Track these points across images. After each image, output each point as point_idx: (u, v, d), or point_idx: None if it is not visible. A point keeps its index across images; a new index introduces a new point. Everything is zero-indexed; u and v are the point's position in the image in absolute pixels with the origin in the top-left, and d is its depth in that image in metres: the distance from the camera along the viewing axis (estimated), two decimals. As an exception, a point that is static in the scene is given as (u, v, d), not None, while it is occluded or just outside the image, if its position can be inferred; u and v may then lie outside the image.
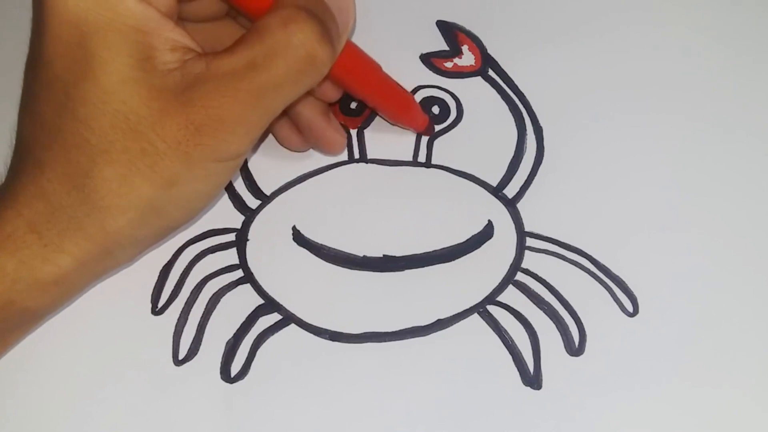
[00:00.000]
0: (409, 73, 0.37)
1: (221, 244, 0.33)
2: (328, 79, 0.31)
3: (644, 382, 0.30)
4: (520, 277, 0.33)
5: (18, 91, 0.28)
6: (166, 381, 0.31)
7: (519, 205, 0.34)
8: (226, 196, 0.35)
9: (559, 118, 0.36)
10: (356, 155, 0.35)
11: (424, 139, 0.36)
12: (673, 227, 0.33)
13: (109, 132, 0.26)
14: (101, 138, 0.26)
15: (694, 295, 0.32)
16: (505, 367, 0.31)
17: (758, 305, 0.32)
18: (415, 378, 0.31)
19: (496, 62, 0.38)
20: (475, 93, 0.37)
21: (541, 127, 0.36)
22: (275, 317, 0.32)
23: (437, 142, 0.36)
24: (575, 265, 0.33)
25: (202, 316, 0.32)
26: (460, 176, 0.35)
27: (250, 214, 0.34)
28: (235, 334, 0.32)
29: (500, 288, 0.32)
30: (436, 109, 0.36)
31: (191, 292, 0.32)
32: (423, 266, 0.33)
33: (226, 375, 0.31)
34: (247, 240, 0.34)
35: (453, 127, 0.36)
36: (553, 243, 0.33)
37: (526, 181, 0.35)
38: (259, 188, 0.35)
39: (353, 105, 0.36)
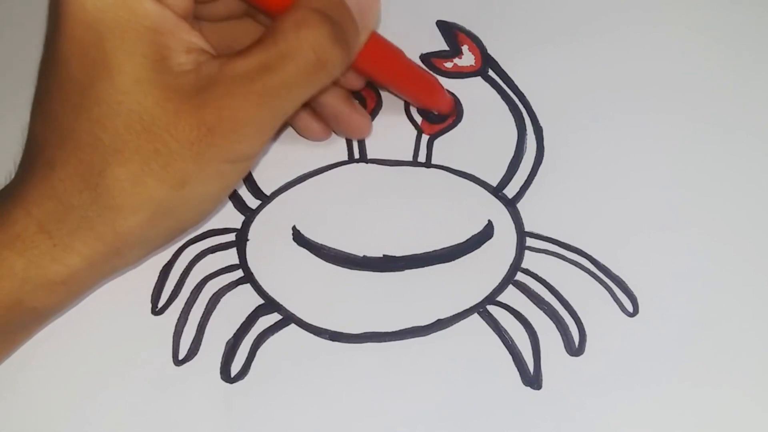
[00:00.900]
0: (409, 73, 0.37)
1: (221, 244, 0.34)
2: (352, 69, 0.32)
3: (644, 382, 0.30)
4: (520, 277, 0.33)
5: (28, 90, 0.28)
6: (166, 381, 0.31)
7: (519, 205, 0.34)
8: (226, 196, 0.35)
9: (559, 118, 0.36)
10: (356, 155, 0.35)
11: (424, 139, 0.36)
12: (673, 227, 0.33)
13: (123, 132, 0.26)
14: (115, 138, 0.26)
15: (694, 295, 0.32)
16: (505, 367, 0.31)
17: (758, 305, 0.32)
18: (415, 378, 0.31)
19: (496, 62, 0.38)
20: (475, 93, 0.37)
21: (541, 127, 0.36)
22: (275, 317, 0.32)
23: (437, 142, 0.36)
24: (575, 265, 0.33)
25: (202, 316, 0.32)
26: (460, 176, 0.35)
27: (250, 214, 0.34)
28: (235, 334, 0.32)
29: (500, 288, 0.32)
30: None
31: (191, 292, 0.32)
32: (423, 266, 0.33)
33: (226, 375, 0.31)
34: (247, 240, 0.34)
35: (453, 127, 0.36)
36: (553, 243, 0.33)
37: (526, 181, 0.35)
38: (259, 188, 0.35)
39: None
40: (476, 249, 0.33)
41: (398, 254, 0.33)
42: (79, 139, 0.26)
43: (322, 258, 0.33)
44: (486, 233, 0.34)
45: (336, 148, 0.36)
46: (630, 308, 0.32)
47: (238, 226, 0.34)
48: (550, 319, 0.32)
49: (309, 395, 0.30)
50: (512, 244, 0.33)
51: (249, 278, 0.33)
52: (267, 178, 0.35)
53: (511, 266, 0.33)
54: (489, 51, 0.38)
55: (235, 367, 0.31)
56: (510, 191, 0.34)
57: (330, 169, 0.35)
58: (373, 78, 0.33)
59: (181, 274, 0.33)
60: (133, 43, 0.25)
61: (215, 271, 0.33)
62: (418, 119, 0.36)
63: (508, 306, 0.32)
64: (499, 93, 0.37)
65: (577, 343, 0.31)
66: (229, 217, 0.34)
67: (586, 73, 0.37)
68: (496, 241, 0.33)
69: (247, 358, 0.31)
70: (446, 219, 0.34)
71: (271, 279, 0.33)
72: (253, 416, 0.30)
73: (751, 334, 0.31)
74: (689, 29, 0.38)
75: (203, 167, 0.26)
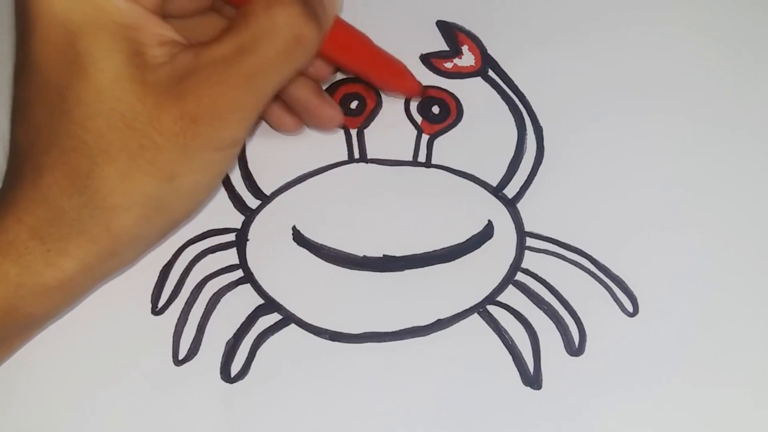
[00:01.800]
0: (409, 73, 0.37)
1: (221, 244, 0.33)
2: (319, 57, 0.32)
3: (644, 382, 0.30)
4: (520, 277, 0.33)
5: (6, 97, 0.28)
6: (166, 381, 0.31)
7: (519, 205, 0.34)
8: (226, 196, 0.35)
9: (559, 118, 0.36)
10: (356, 155, 0.35)
11: (424, 139, 0.36)
12: (673, 227, 0.33)
13: (106, 131, 0.26)
14: (99, 138, 0.26)
15: (694, 295, 0.32)
16: (505, 367, 0.31)
17: (758, 305, 0.32)
18: (415, 378, 0.31)
19: (496, 62, 0.38)
20: (475, 93, 0.37)
21: (541, 127, 0.36)
22: (275, 317, 0.32)
23: (437, 142, 0.36)
24: (575, 265, 0.33)
25: (202, 316, 0.32)
26: (460, 176, 0.35)
27: (250, 214, 0.34)
28: (235, 334, 0.32)
29: (500, 288, 0.32)
30: (436, 109, 0.36)
31: (191, 292, 0.32)
32: (423, 266, 0.33)
33: (226, 375, 0.31)
34: (247, 240, 0.34)
35: (453, 127, 0.36)
36: (553, 243, 0.33)
37: (526, 181, 0.35)
38: (259, 188, 0.35)
39: (353, 105, 0.36)
40: (476, 249, 0.33)
41: (398, 254, 0.33)
42: (63, 143, 0.26)
43: (322, 258, 0.33)
44: (486, 233, 0.34)
45: (336, 148, 0.36)
46: (630, 308, 0.32)
47: (238, 226, 0.34)
48: (550, 319, 0.32)
49: (309, 395, 0.30)
50: (512, 244, 0.33)
51: (249, 278, 0.33)
52: (267, 178, 0.35)
53: (511, 266, 0.33)
54: (489, 51, 0.38)
55: (235, 367, 0.31)
56: (510, 191, 0.34)
57: (330, 169, 0.35)
58: (340, 64, 0.33)
59: (181, 274, 0.33)
60: (108, 41, 0.25)
61: (215, 271, 0.33)
62: (418, 119, 0.36)
63: (508, 306, 0.32)
64: (499, 93, 0.37)
65: (577, 343, 0.31)
66: (229, 217, 0.34)
67: (586, 73, 0.37)
68: (496, 241, 0.33)
69: (247, 358, 0.31)
70: (446, 219, 0.34)
71: (271, 279, 0.33)
72: (253, 416, 0.30)
73: (751, 334, 0.31)
74: (689, 29, 0.38)
75: (191, 157, 0.26)
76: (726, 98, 0.36)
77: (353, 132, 0.36)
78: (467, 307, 0.32)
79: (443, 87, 0.37)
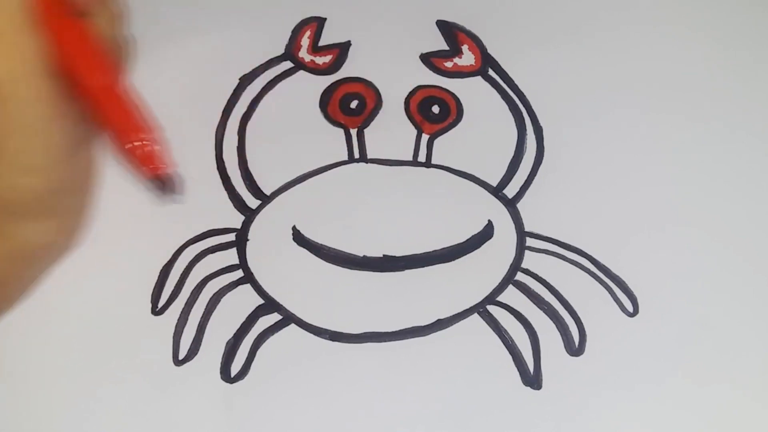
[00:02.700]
0: (409, 73, 0.37)
1: (221, 244, 0.33)
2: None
3: (644, 382, 0.30)
4: (520, 277, 0.33)
5: None
6: (166, 381, 0.31)
7: (519, 205, 0.34)
8: (226, 196, 0.35)
9: (559, 118, 0.36)
10: (356, 155, 0.35)
11: (424, 139, 0.36)
12: (673, 227, 0.33)
13: None
14: None
15: (694, 295, 0.32)
16: (505, 367, 0.31)
17: (758, 305, 0.32)
18: (415, 378, 0.31)
19: (496, 62, 0.38)
20: (475, 93, 0.37)
21: (541, 127, 0.36)
22: (275, 317, 0.32)
23: (437, 142, 0.36)
24: (575, 265, 0.33)
25: (202, 316, 0.32)
26: (460, 176, 0.35)
27: (250, 214, 0.34)
28: (235, 334, 0.32)
29: (500, 288, 0.32)
30: (436, 109, 0.36)
31: (191, 292, 0.32)
32: (423, 266, 0.33)
33: (226, 375, 0.31)
34: (247, 240, 0.34)
35: (453, 127, 0.36)
36: (553, 243, 0.33)
37: (526, 181, 0.35)
38: (259, 188, 0.35)
39: (353, 105, 0.36)
40: (476, 249, 0.33)
41: (398, 254, 0.33)
42: None
43: (322, 258, 0.33)
44: (486, 233, 0.34)
45: (336, 148, 0.35)
46: (630, 308, 0.32)
47: (238, 226, 0.34)
48: (550, 319, 0.32)
49: (309, 395, 0.30)
50: (512, 244, 0.33)
51: (249, 278, 0.33)
52: (267, 178, 0.35)
53: (511, 266, 0.33)
54: (489, 51, 0.38)
55: (235, 367, 0.31)
56: (510, 191, 0.34)
57: (330, 169, 0.35)
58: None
59: (181, 274, 0.33)
60: None
61: (215, 271, 0.33)
62: (418, 119, 0.36)
63: (508, 306, 0.32)
64: (499, 93, 0.37)
65: (577, 343, 0.31)
66: (229, 217, 0.34)
67: (586, 73, 0.37)
68: (496, 241, 0.33)
69: (247, 358, 0.31)
70: (446, 219, 0.34)
71: (271, 279, 0.33)
72: (253, 416, 0.30)
73: (751, 334, 0.31)
74: (689, 29, 0.38)
75: None
76: (726, 98, 0.36)
77: (353, 132, 0.36)
78: (467, 307, 0.32)
79: (443, 86, 0.37)
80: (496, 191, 0.34)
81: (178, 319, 0.32)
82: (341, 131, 0.36)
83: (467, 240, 0.33)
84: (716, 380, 0.30)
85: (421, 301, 0.32)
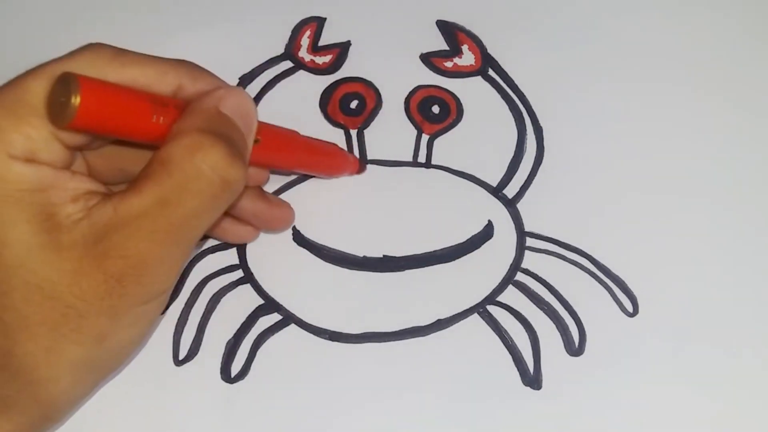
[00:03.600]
0: (409, 73, 0.37)
1: (221, 244, 0.33)
2: (252, 166, 0.30)
3: (644, 382, 0.30)
4: (520, 277, 0.33)
5: None
6: (166, 381, 0.31)
7: (519, 205, 0.34)
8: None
9: (559, 118, 0.36)
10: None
11: (424, 139, 0.36)
12: (673, 227, 0.33)
13: (22, 307, 0.24)
14: (15, 314, 0.24)
15: (694, 295, 0.32)
16: (505, 367, 0.31)
17: (758, 305, 0.32)
18: (415, 378, 0.31)
19: (496, 62, 0.38)
20: (475, 93, 0.37)
21: (541, 127, 0.36)
22: (275, 317, 0.32)
23: (437, 142, 0.36)
24: (575, 265, 0.33)
25: (202, 316, 0.32)
26: (460, 176, 0.35)
27: (250, 214, 0.34)
28: (235, 334, 0.32)
29: (500, 288, 0.32)
30: (436, 109, 0.36)
31: (191, 292, 0.32)
32: (423, 266, 0.33)
33: (226, 375, 0.31)
34: (247, 240, 0.34)
35: (453, 127, 0.36)
36: (553, 243, 0.33)
37: (526, 181, 0.35)
38: (259, 188, 0.35)
39: (353, 105, 0.36)
40: (476, 249, 0.33)
41: (398, 254, 0.33)
42: None
43: (322, 258, 0.33)
44: (486, 233, 0.33)
45: (336, 148, 0.35)
46: (630, 308, 0.32)
47: (238, 226, 0.34)
48: (550, 319, 0.32)
49: (309, 395, 0.30)
50: (512, 244, 0.33)
51: (249, 278, 0.33)
52: (267, 178, 0.35)
53: (511, 266, 0.33)
54: (489, 51, 0.38)
55: (235, 367, 0.31)
56: (510, 191, 0.34)
57: (330, 169, 0.35)
58: (275, 166, 0.32)
59: (182, 274, 0.33)
60: (13, 212, 0.23)
61: (215, 271, 0.33)
62: (418, 119, 0.36)
63: (508, 306, 0.32)
64: (499, 93, 0.37)
65: (577, 343, 0.31)
66: (229, 217, 0.34)
67: (586, 73, 0.37)
68: (496, 241, 0.33)
69: (247, 358, 0.31)
70: (446, 219, 0.34)
71: (271, 279, 0.33)
72: (253, 416, 0.30)
73: (751, 334, 0.31)
74: (689, 29, 0.38)
75: (119, 318, 0.25)
76: (726, 98, 0.36)
77: (353, 132, 0.36)
78: (467, 307, 0.32)
79: (443, 86, 0.37)
80: (496, 191, 0.34)
81: (178, 319, 0.32)
82: (341, 131, 0.36)
83: (467, 240, 0.33)
84: (716, 380, 0.30)
85: (421, 301, 0.32)
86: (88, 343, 0.25)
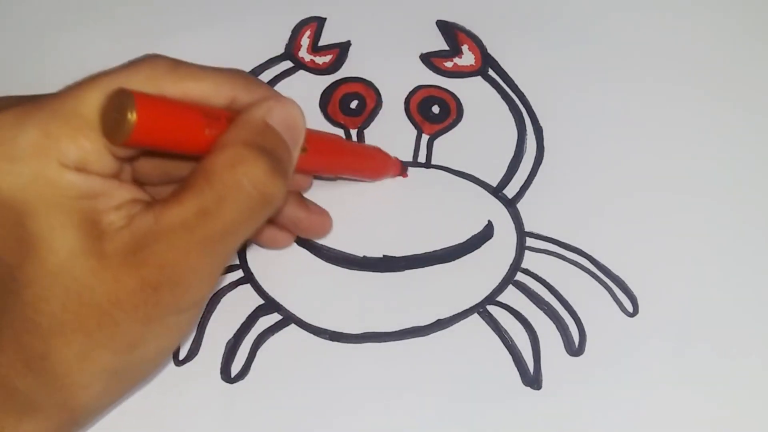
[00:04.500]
0: (409, 73, 0.37)
1: (221, 244, 0.33)
2: (297, 172, 0.30)
3: (644, 382, 0.30)
4: (520, 277, 0.33)
5: None
6: (166, 381, 0.31)
7: (519, 205, 0.34)
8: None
9: (559, 118, 0.36)
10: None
11: (424, 139, 0.36)
12: (673, 227, 0.33)
13: (60, 312, 0.24)
14: (52, 319, 0.24)
15: (694, 295, 0.32)
16: (505, 367, 0.31)
17: (758, 305, 0.32)
18: (415, 378, 0.31)
19: (496, 62, 0.38)
20: (475, 93, 0.37)
21: (541, 127, 0.36)
22: (275, 317, 0.32)
23: (437, 142, 0.36)
24: (575, 265, 0.33)
25: (202, 316, 0.32)
26: (460, 176, 0.35)
27: (250, 214, 0.34)
28: (235, 334, 0.32)
29: (500, 288, 0.32)
30: (436, 109, 0.36)
31: (191, 292, 0.32)
32: (423, 266, 0.33)
33: (226, 375, 0.31)
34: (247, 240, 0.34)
35: (453, 127, 0.36)
36: (553, 243, 0.33)
37: (526, 181, 0.35)
38: (259, 188, 0.35)
39: (353, 105, 0.36)
40: (476, 249, 0.33)
41: (398, 254, 0.33)
42: (15, 324, 0.24)
43: (322, 258, 0.33)
44: (486, 233, 0.34)
45: (336, 148, 0.35)
46: (630, 308, 0.32)
47: (238, 226, 0.34)
48: (550, 319, 0.32)
49: (309, 395, 0.30)
50: (512, 244, 0.33)
51: (249, 278, 0.33)
52: (267, 178, 0.35)
53: (511, 266, 0.33)
54: (489, 51, 0.38)
55: (235, 367, 0.31)
56: (510, 191, 0.34)
57: (330, 169, 0.35)
58: (319, 172, 0.32)
59: (181, 274, 0.33)
60: (61, 218, 0.24)
61: (215, 271, 0.33)
62: (418, 119, 0.36)
63: (508, 306, 0.32)
64: (499, 93, 0.37)
65: (577, 343, 0.31)
66: (229, 217, 0.34)
67: (586, 73, 0.37)
68: (496, 241, 0.33)
69: (247, 358, 0.31)
70: (446, 219, 0.34)
71: (271, 279, 0.33)
72: (253, 416, 0.30)
73: (751, 334, 0.31)
74: (689, 29, 0.38)
75: (152, 327, 0.25)
76: (726, 98, 0.36)
77: (353, 132, 0.36)
78: (467, 307, 0.32)
79: (443, 86, 0.37)
80: (496, 191, 0.34)
81: (178, 319, 0.32)
82: (341, 131, 0.36)
83: (467, 240, 0.33)
84: (716, 380, 0.30)
85: (421, 301, 0.32)
86: (120, 350, 0.25)
